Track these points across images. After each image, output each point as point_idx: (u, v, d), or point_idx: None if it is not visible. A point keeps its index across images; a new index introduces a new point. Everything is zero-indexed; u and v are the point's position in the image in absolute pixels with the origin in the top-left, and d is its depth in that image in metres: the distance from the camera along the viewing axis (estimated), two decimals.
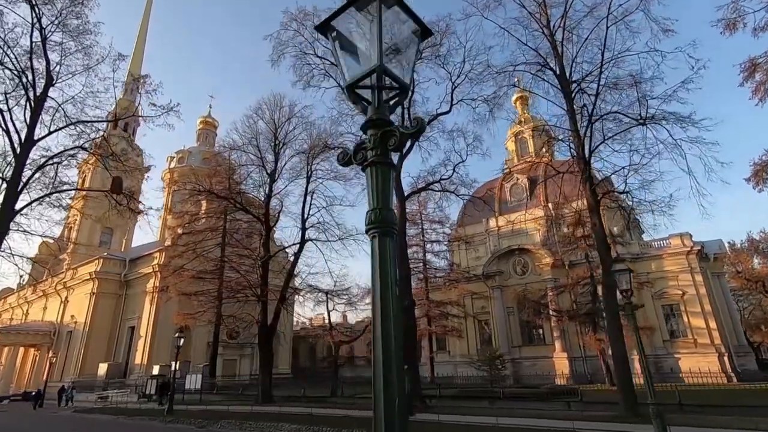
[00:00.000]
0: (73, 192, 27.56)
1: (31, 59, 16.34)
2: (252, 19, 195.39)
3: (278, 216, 28.11)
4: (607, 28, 16.45)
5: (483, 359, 30.87)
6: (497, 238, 42.14)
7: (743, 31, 16.69)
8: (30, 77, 16.38)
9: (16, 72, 16.20)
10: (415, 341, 25.27)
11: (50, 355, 39.20)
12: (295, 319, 45.80)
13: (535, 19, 18.08)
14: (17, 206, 15.97)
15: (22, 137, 16.26)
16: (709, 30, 30.87)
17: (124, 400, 30.19)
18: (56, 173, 17.64)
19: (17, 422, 22.47)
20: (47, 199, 17.36)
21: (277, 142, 27.24)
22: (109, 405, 28.98)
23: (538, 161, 24.55)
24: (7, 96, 16.24)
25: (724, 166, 15.02)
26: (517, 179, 43.68)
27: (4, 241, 15.65)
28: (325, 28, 2.68)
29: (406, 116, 21.76)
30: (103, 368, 37.01)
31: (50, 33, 16.77)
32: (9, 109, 16.09)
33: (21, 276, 32.56)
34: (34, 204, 16.90)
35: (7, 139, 15.92)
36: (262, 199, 27.65)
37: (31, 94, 16.43)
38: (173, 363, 23.46)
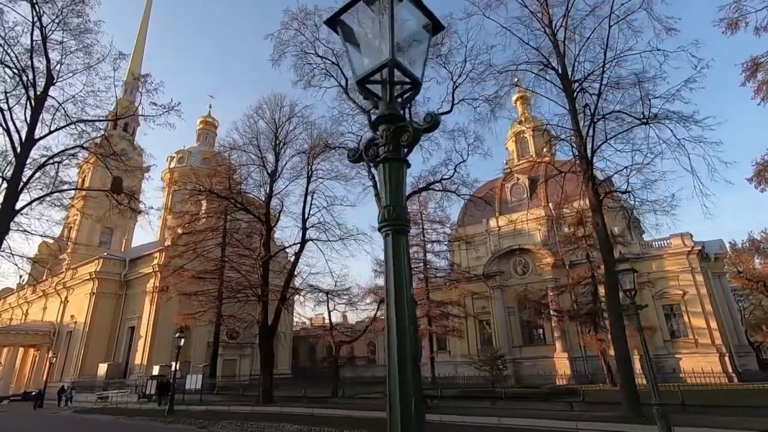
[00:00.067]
0: (73, 192, 27.46)
1: (31, 58, 16.28)
2: (252, 18, 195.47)
3: (279, 216, 28.06)
4: (610, 27, 16.42)
5: (484, 359, 30.84)
6: (498, 238, 42.12)
7: (745, 30, 16.69)
8: (30, 76, 16.33)
9: (16, 71, 16.15)
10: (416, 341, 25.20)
11: (50, 355, 39.13)
12: (295, 319, 45.75)
13: (537, 18, 18.04)
14: (17, 206, 15.91)
15: (23, 136, 16.21)
16: (710, 29, 30.84)
17: (124, 400, 30.14)
18: (57, 173, 17.61)
19: (17, 422, 22.41)
20: (47, 198, 17.33)
21: (277, 141, 27.18)
22: (109, 405, 28.94)
23: (540, 161, 24.52)
24: (8, 95, 16.19)
25: (727, 166, 14.95)
26: (518, 179, 43.67)
27: (4, 241, 15.60)
28: (334, 22, 2.65)
29: (407, 116, 21.73)
30: (103, 368, 36.95)
31: (51, 32, 16.73)
32: (9, 108, 16.04)
33: (21, 276, 32.48)
34: (34, 203, 16.86)
35: (7, 139, 15.88)
36: (263, 199, 27.59)
37: (31, 93, 16.38)
38: (173, 363, 23.40)
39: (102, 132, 19.55)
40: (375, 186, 24.46)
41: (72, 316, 41.56)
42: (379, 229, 2.20)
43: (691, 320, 30.72)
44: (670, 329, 31.69)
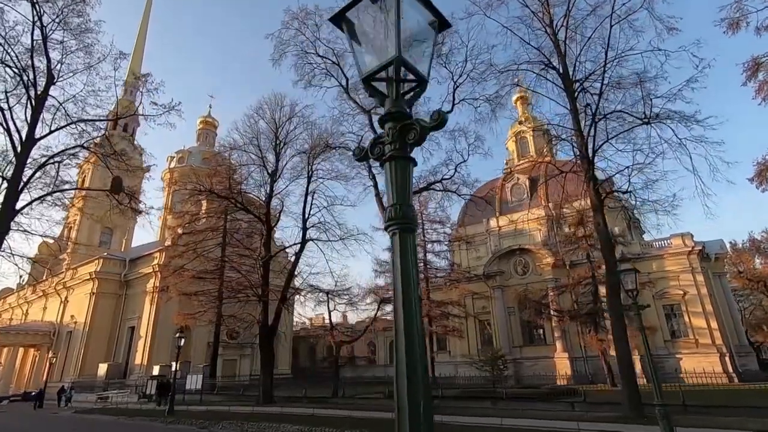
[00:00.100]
0: (73, 191, 27.44)
1: (32, 57, 16.26)
2: (252, 18, 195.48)
3: (279, 216, 28.05)
4: (611, 26, 16.39)
5: (485, 359, 30.81)
6: (498, 238, 42.10)
7: (746, 30, 16.68)
8: (31, 76, 16.31)
9: (16, 70, 16.13)
10: None
11: (50, 355, 39.11)
12: (295, 319, 45.75)
13: (538, 18, 18.00)
14: (18, 206, 15.89)
15: (23, 136, 16.19)
16: (711, 29, 30.89)
17: (124, 400, 30.12)
18: (58, 172, 17.60)
19: (17, 423, 22.38)
20: (48, 198, 17.31)
21: (278, 141, 27.17)
22: (109, 405, 28.92)
23: (541, 161, 24.50)
24: (8, 94, 16.17)
25: (729, 165, 14.92)
26: (518, 179, 43.65)
27: (5, 241, 15.57)
28: (339, 19, 2.61)
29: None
30: (103, 368, 36.92)
31: (51, 31, 16.72)
32: (10, 108, 16.02)
33: (21, 276, 32.49)
34: (34, 203, 16.84)
35: (7, 138, 15.85)
36: (263, 198, 27.58)
37: (31, 92, 16.36)
38: (174, 363, 23.37)
39: (102, 132, 19.53)
40: (376, 186, 24.49)
41: (72, 316, 41.53)
42: (386, 228, 2.18)
43: (692, 320, 30.70)
44: (670, 329, 31.67)
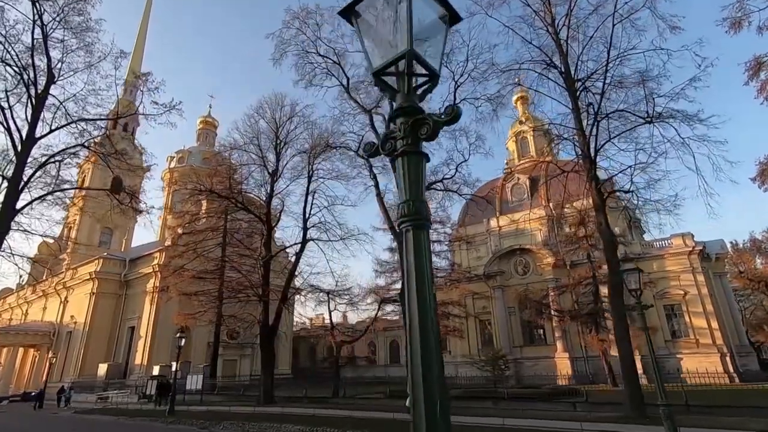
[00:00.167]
0: (74, 191, 27.39)
1: (32, 56, 16.21)
2: (252, 18, 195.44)
3: (279, 216, 28.03)
4: (613, 26, 16.34)
5: (486, 359, 30.76)
6: (498, 238, 42.06)
7: (748, 29, 16.65)
8: (31, 74, 16.26)
9: (17, 69, 16.09)
10: None
11: (50, 355, 39.05)
12: (295, 319, 45.70)
13: (540, 17, 17.95)
14: (18, 205, 15.84)
15: (23, 135, 16.13)
16: (713, 28, 30.87)
17: (124, 400, 30.06)
18: (58, 171, 17.55)
19: (18, 423, 22.32)
20: (48, 197, 17.26)
21: (278, 141, 27.14)
22: (109, 405, 28.86)
23: (542, 160, 24.45)
24: (8, 93, 16.12)
25: (732, 165, 14.88)
26: (519, 179, 43.61)
27: (5, 241, 15.52)
28: (348, 13, 2.57)
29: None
30: (103, 368, 36.85)
31: (52, 30, 16.66)
32: (10, 107, 15.97)
33: (20, 276, 32.43)
34: (34, 203, 16.80)
35: (8, 137, 15.80)
36: (264, 198, 27.55)
37: (32, 91, 16.32)
38: (174, 363, 23.32)
39: (103, 131, 19.49)
40: (377, 186, 24.46)
41: (72, 316, 41.46)
42: (399, 225, 2.14)
43: (692, 320, 30.67)
44: (671, 329, 31.64)
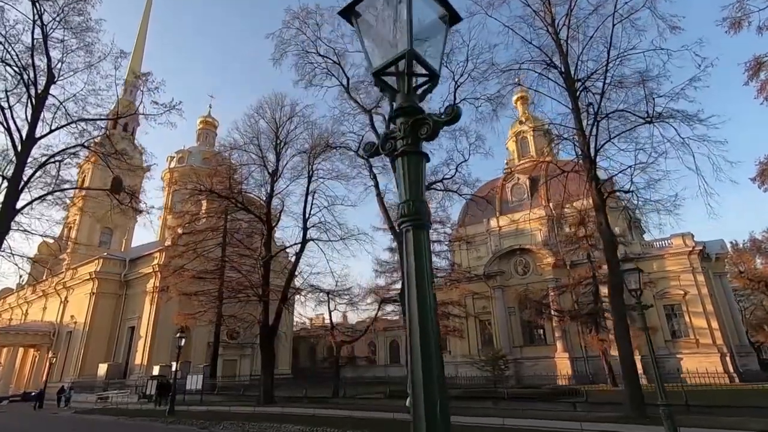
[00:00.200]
0: (74, 191, 27.40)
1: (32, 56, 16.21)
2: (252, 18, 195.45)
3: (280, 216, 28.03)
4: (613, 26, 16.33)
5: (486, 359, 30.74)
6: (498, 238, 42.05)
7: (748, 30, 16.65)
8: (31, 74, 16.26)
9: (17, 69, 16.09)
10: None
11: (50, 355, 39.05)
12: (295, 319, 45.71)
13: (540, 17, 17.95)
14: (18, 205, 15.84)
15: (23, 135, 16.13)
16: (712, 28, 30.86)
17: (124, 400, 30.06)
18: (58, 171, 17.55)
19: (17, 423, 22.33)
20: (48, 197, 17.26)
21: (278, 141, 27.15)
22: (109, 405, 28.86)
23: (542, 160, 24.46)
24: (8, 93, 16.12)
25: (732, 165, 14.87)
26: (518, 179, 43.61)
27: (5, 241, 15.52)
28: (348, 13, 2.57)
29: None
30: (103, 368, 36.85)
31: (52, 30, 16.66)
32: (10, 107, 15.97)
33: (20, 276, 32.43)
34: (35, 203, 16.80)
35: (8, 137, 15.80)
36: (264, 198, 27.56)
37: (32, 91, 16.32)
38: (174, 363, 23.31)
39: (103, 131, 19.49)
40: (377, 186, 24.46)
41: (72, 316, 41.45)
42: (399, 225, 2.14)
43: (692, 320, 30.67)
44: (671, 329, 31.64)
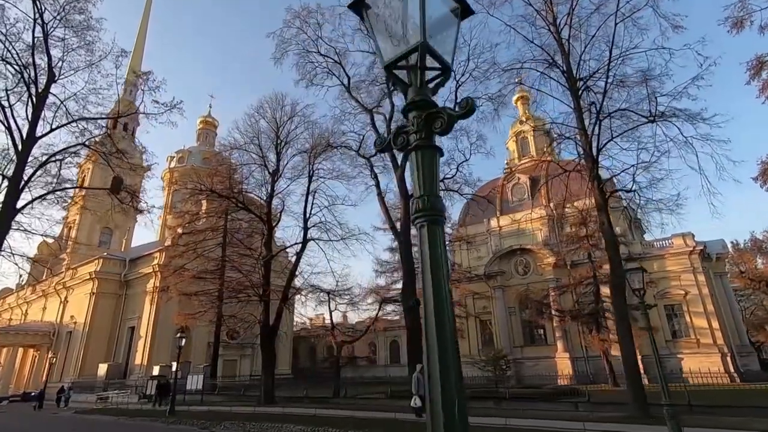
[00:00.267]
0: (74, 190, 27.34)
1: (33, 55, 16.16)
2: (252, 18, 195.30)
3: (280, 215, 28.01)
4: (615, 25, 16.30)
5: (487, 359, 30.69)
6: (499, 238, 42.01)
7: (750, 29, 16.62)
8: (32, 73, 16.21)
9: (17, 68, 16.04)
10: (420, 341, 25.13)
11: (50, 355, 38.99)
12: (295, 319, 45.66)
13: (542, 16, 17.92)
14: (18, 204, 15.79)
15: (24, 134, 16.08)
16: (715, 27, 30.77)
17: (124, 400, 29.99)
18: (59, 171, 17.51)
19: (17, 423, 22.27)
20: (49, 197, 17.20)
21: (279, 141, 27.12)
22: (109, 406, 28.80)
23: (543, 160, 24.44)
24: (9, 92, 16.07)
25: (736, 164, 14.83)
26: (519, 179, 43.58)
27: (5, 241, 15.47)
28: (359, 6, 2.53)
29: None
30: (103, 369, 36.78)
31: (52, 28, 16.62)
32: (11, 106, 15.92)
33: (20, 276, 32.41)
34: (35, 202, 16.74)
35: (8, 136, 15.75)
36: (264, 198, 27.54)
37: (32, 90, 16.27)
38: (174, 363, 23.25)
39: (104, 130, 19.45)
40: (378, 185, 24.45)
41: (72, 316, 41.39)
42: (413, 221, 2.11)
43: (693, 320, 30.65)
44: (671, 329, 31.61)
